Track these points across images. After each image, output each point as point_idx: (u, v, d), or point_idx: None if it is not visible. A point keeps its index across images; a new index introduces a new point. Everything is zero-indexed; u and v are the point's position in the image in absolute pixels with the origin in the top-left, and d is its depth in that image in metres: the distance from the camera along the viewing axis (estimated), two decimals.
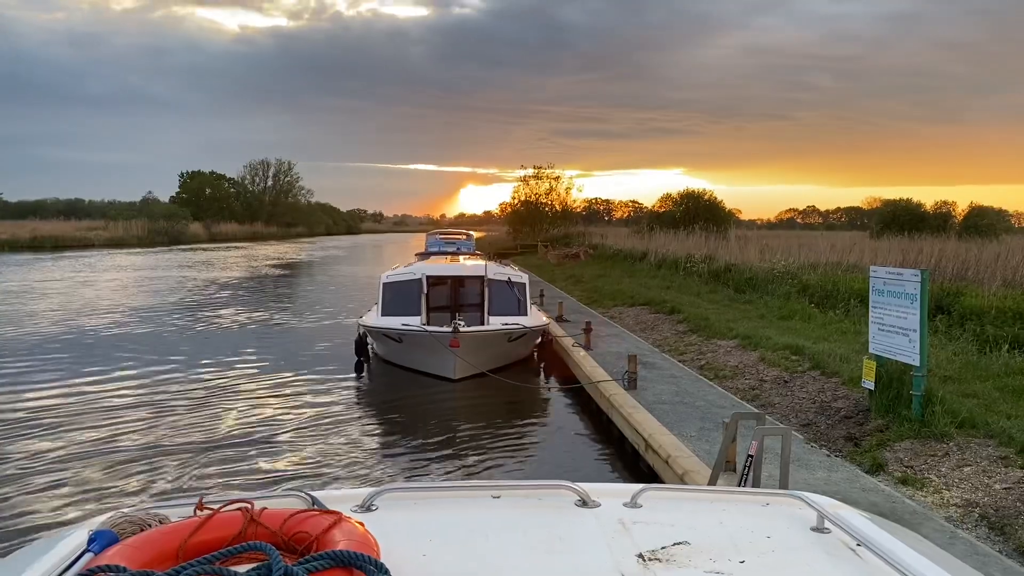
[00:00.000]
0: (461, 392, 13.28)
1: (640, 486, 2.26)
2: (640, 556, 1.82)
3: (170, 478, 8.69)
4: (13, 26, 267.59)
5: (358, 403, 12.70)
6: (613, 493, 2.28)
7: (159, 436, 10.23)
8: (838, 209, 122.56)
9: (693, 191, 48.94)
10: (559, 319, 18.44)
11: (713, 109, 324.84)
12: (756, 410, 9.11)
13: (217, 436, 10.30)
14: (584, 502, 2.17)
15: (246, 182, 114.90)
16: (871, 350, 8.92)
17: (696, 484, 6.60)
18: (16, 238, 63.50)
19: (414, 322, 14.13)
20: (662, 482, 7.30)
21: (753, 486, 5.55)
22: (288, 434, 10.48)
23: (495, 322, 14.40)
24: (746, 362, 12.42)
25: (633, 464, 9.19)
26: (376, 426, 11.36)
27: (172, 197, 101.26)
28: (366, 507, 2.09)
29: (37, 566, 1.69)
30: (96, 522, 1.91)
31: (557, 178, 66.81)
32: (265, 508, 1.77)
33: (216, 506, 1.84)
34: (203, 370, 14.60)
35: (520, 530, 1.99)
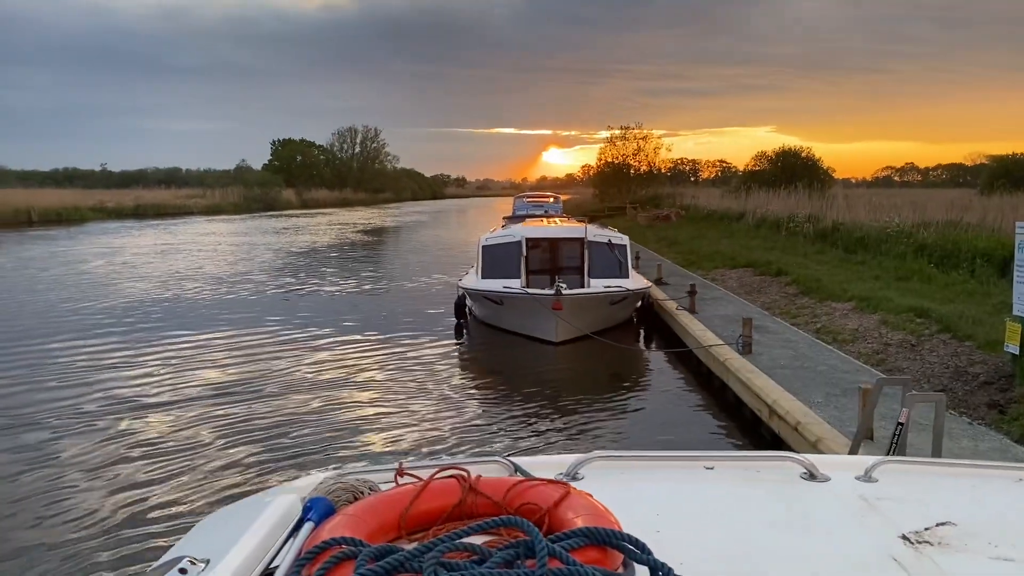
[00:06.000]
0: (563, 355, 13.11)
1: (873, 458, 2.07)
2: (905, 538, 1.60)
3: (303, 442, 8.63)
4: (112, 3, 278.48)
5: (461, 365, 12.68)
6: (841, 465, 2.11)
7: (284, 401, 10.41)
8: (938, 166, 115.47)
9: (790, 149, 47.18)
10: (658, 282, 18.00)
11: (804, 63, 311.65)
12: (897, 376, 8.57)
13: (318, 403, 10.40)
14: (812, 475, 1.98)
15: (335, 149, 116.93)
16: (1015, 312, 8.28)
17: (837, 453, 6.26)
18: (121, 206, 66.07)
19: (513, 284, 13.98)
20: (791, 449, 6.96)
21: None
22: (391, 398, 10.50)
23: (596, 284, 14.12)
24: (866, 325, 11.80)
25: (753, 430, 8.85)
26: (479, 389, 11.23)
27: (265, 164, 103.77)
28: (571, 475, 1.95)
29: (256, 527, 1.64)
30: (303, 487, 1.84)
31: (645, 138, 65.68)
32: (480, 476, 1.64)
33: (420, 472, 1.74)
34: (303, 333, 14.85)
35: (743, 504, 1.82)
